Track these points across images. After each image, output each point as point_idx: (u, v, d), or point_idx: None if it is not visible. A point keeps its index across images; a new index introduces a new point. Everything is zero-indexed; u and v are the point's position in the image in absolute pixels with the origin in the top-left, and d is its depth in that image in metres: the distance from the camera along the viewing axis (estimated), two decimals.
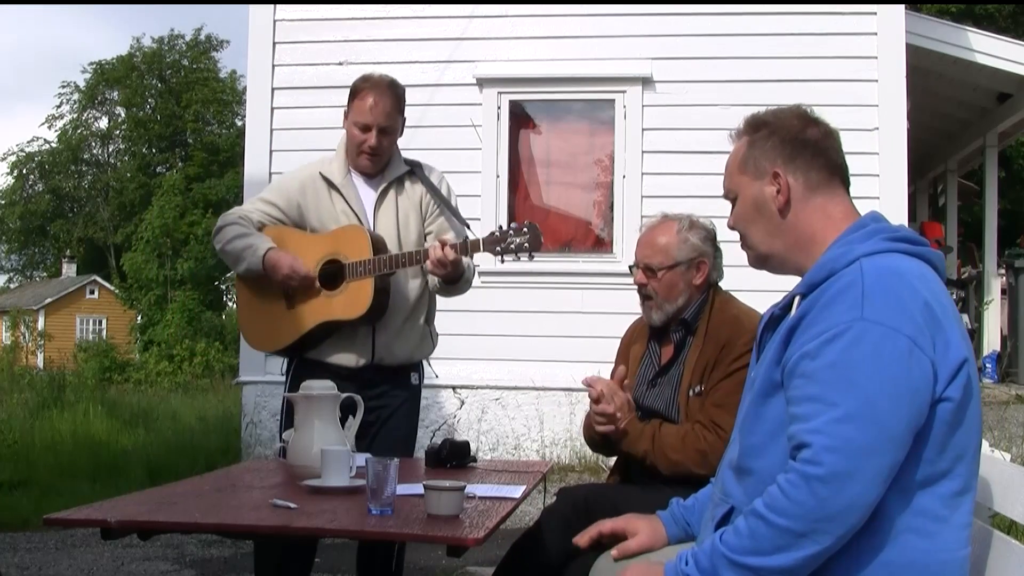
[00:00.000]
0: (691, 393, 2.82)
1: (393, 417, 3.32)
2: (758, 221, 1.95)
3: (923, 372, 1.66)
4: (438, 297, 3.51)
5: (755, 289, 2.89)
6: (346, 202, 3.36)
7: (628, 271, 3.07)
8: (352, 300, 3.25)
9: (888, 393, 1.64)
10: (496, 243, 3.21)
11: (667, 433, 2.77)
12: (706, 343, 2.84)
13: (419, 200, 3.43)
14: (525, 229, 3.20)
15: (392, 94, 3.35)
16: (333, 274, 3.28)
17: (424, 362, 3.55)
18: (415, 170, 3.47)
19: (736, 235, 2.04)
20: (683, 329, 2.92)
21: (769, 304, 1.99)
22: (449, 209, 3.44)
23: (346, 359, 3.30)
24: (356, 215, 3.35)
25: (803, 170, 1.91)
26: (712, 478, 2.19)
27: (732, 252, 2.07)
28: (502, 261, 3.25)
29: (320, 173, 3.40)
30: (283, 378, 3.47)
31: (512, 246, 3.20)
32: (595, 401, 2.82)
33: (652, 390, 2.95)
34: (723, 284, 3.03)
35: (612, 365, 3.20)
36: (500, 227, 3.26)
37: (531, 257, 3.21)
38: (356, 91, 3.35)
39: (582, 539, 2.19)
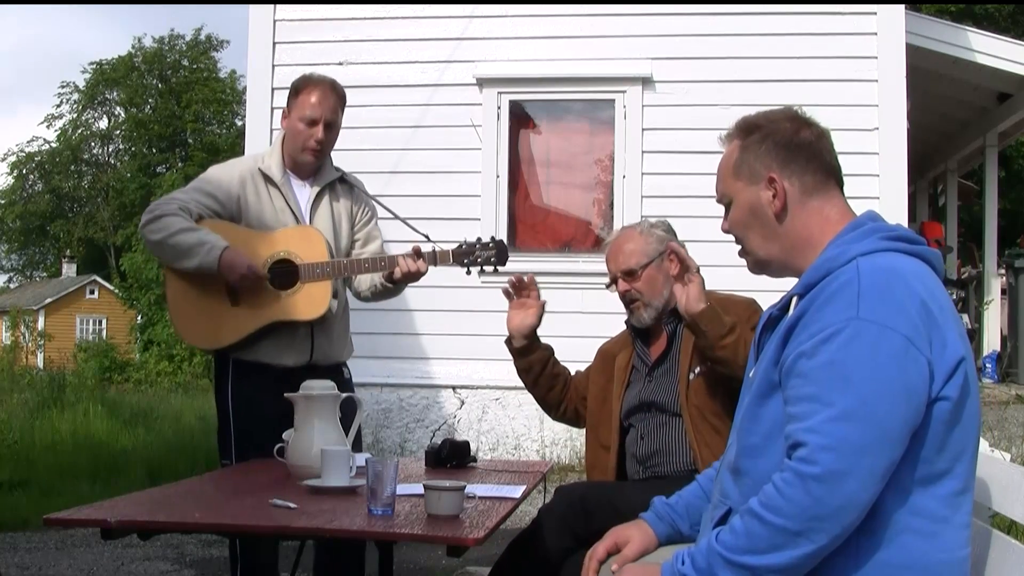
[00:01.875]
0: (691, 376, 2.88)
1: None
2: (754, 226, 1.94)
3: (919, 371, 1.66)
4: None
5: (753, 289, 2.88)
6: (284, 200, 3.38)
7: (607, 288, 3.13)
8: (309, 301, 3.27)
9: (884, 392, 1.64)
10: (464, 256, 3.35)
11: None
12: None
13: (351, 208, 3.49)
14: (492, 244, 3.36)
15: (335, 92, 3.40)
16: (279, 273, 3.28)
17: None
18: (345, 176, 3.52)
19: (730, 236, 2.02)
20: (675, 319, 2.98)
21: (767, 304, 1.99)
22: (376, 220, 3.56)
23: (286, 359, 3.30)
24: (294, 214, 3.37)
25: (798, 174, 1.90)
26: (697, 473, 2.22)
27: (730, 252, 2.06)
28: (468, 272, 3.39)
29: (259, 168, 3.40)
30: None
31: (479, 259, 3.35)
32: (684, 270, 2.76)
33: (649, 384, 3.00)
34: (721, 285, 3.05)
35: None
36: (466, 240, 3.38)
37: (495, 271, 3.38)
38: (299, 89, 3.39)
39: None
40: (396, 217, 3.59)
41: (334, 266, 3.26)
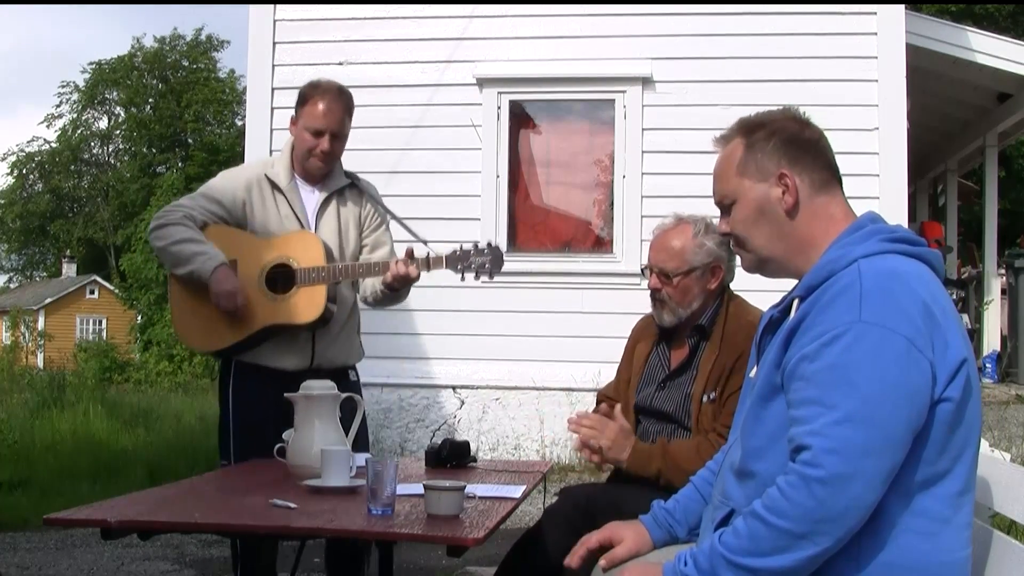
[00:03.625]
0: (704, 399, 2.79)
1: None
2: (761, 224, 1.92)
3: (922, 373, 1.66)
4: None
5: (758, 289, 2.87)
6: (290, 206, 3.38)
7: (641, 273, 3.04)
8: (304, 305, 3.26)
9: (887, 394, 1.64)
10: (458, 261, 3.26)
11: (679, 448, 2.72)
12: (722, 349, 2.80)
13: (359, 213, 3.48)
14: (486, 251, 3.25)
15: (343, 100, 3.39)
16: (278, 278, 3.28)
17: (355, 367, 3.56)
18: (356, 183, 3.50)
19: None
20: (698, 335, 2.88)
21: (771, 304, 1.98)
22: (386, 225, 3.51)
23: (286, 362, 3.31)
24: (299, 220, 3.37)
25: (808, 171, 1.90)
26: (692, 477, 2.20)
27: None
28: (462, 279, 3.29)
29: (265, 175, 3.41)
30: None
31: (473, 265, 3.25)
32: (582, 448, 2.80)
33: (662, 392, 2.92)
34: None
35: (612, 365, 3.19)
36: (461, 246, 3.30)
37: (491, 277, 3.27)
38: (306, 97, 3.38)
39: (573, 559, 2.14)
40: (394, 218, 3.57)
41: (329, 271, 3.26)
